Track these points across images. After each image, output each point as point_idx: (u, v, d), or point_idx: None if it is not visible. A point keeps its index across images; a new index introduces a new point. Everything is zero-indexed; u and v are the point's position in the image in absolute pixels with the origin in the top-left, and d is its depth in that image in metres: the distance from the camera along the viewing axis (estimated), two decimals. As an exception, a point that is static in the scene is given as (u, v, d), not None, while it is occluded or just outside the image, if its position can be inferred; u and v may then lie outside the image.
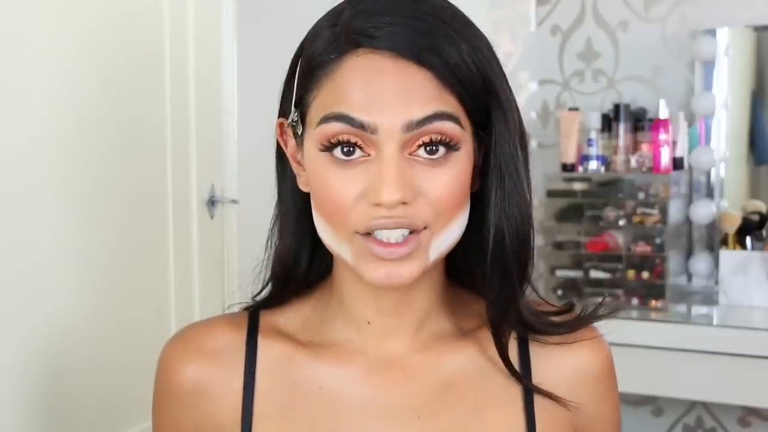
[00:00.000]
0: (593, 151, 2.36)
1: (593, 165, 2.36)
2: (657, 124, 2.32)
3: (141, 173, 1.23)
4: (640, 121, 2.38)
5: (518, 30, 2.57)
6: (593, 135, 2.36)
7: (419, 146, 0.72)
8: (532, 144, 2.54)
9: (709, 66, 2.39)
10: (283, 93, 0.80)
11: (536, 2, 2.61)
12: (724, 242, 2.32)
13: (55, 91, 1.06)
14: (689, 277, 2.40)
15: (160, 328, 1.24)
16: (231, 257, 1.48)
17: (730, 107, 2.40)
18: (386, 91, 0.71)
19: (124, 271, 1.19)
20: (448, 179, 0.73)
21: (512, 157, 0.76)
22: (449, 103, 0.72)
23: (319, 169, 0.74)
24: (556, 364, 0.83)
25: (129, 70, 1.20)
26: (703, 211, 2.31)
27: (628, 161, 2.34)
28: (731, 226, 2.31)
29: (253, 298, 0.86)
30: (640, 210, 2.29)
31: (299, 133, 0.77)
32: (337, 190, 0.73)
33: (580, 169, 2.38)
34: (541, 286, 2.34)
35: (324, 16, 0.78)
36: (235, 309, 0.88)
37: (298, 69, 0.78)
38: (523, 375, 0.81)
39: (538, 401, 0.81)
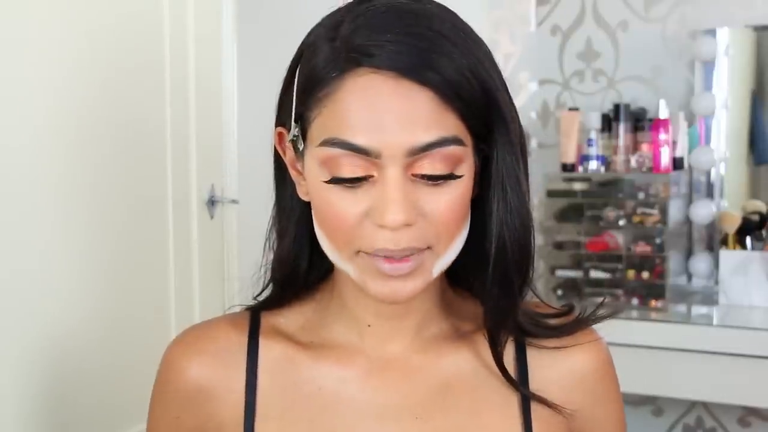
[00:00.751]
0: (593, 151, 2.36)
1: (593, 165, 2.36)
2: (657, 124, 2.32)
3: (141, 173, 1.23)
4: (640, 121, 2.38)
5: (518, 30, 2.57)
6: (593, 135, 2.36)
7: (422, 176, 0.72)
8: (532, 144, 2.54)
9: (709, 66, 2.39)
10: (281, 101, 0.80)
11: (536, 2, 2.61)
12: (724, 242, 2.32)
13: (55, 91, 1.06)
14: (689, 277, 2.40)
15: (160, 328, 1.24)
16: (231, 257, 1.48)
17: (730, 107, 2.40)
18: (389, 114, 0.71)
19: (124, 271, 1.19)
20: (450, 198, 0.73)
21: (513, 169, 0.77)
22: (451, 124, 0.72)
23: (321, 187, 0.74)
24: (553, 367, 0.83)
25: (129, 70, 1.20)
26: (703, 211, 2.31)
27: (628, 161, 2.34)
28: (731, 226, 2.31)
29: (255, 298, 0.87)
30: (640, 210, 2.29)
31: (300, 149, 0.77)
32: (341, 211, 0.73)
33: (580, 169, 2.38)
34: (541, 286, 2.34)
35: (322, 24, 0.77)
36: (237, 309, 0.88)
37: (296, 81, 0.77)
38: (520, 378, 0.81)
39: (535, 404, 0.81)
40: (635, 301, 2.26)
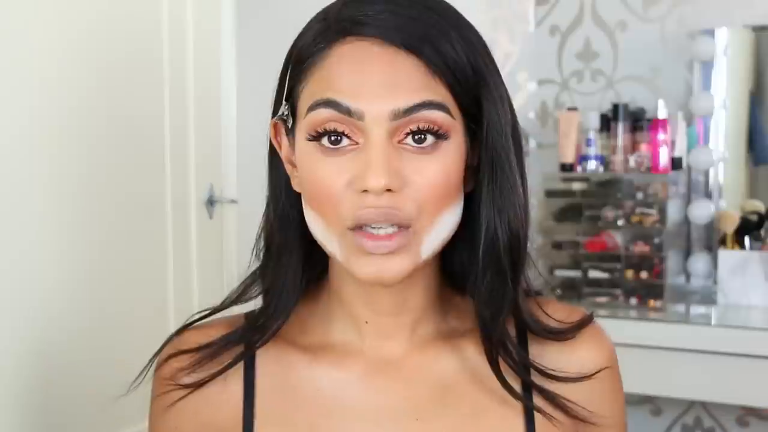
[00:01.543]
0: (592, 151, 2.36)
1: (592, 165, 2.36)
2: (656, 124, 2.32)
3: (140, 173, 1.23)
4: (639, 121, 2.38)
5: (517, 30, 2.57)
6: (592, 135, 2.36)
7: (407, 134, 0.72)
8: (531, 144, 2.54)
9: (707, 66, 2.39)
10: (276, 93, 0.80)
11: (535, 2, 2.61)
12: (723, 242, 2.32)
13: (54, 90, 1.06)
14: (688, 277, 2.40)
15: (159, 327, 1.24)
16: (230, 257, 1.48)
17: (728, 107, 2.40)
18: (373, 77, 0.71)
19: (124, 271, 1.19)
20: (436, 169, 0.72)
21: (504, 149, 0.75)
22: (438, 92, 0.72)
23: (308, 159, 0.73)
24: (557, 360, 0.81)
25: (128, 69, 1.20)
26: (701, 211, 2.31)
27: (626, 161, 2.34)
28: (730, 226, 2.31)
29: (230, 301, 0.85)
30: (638, 210, 2.29)
31: (289, 126, 0.77)
32: (326, 179, 0.72)
33: (579, 169, 2.38)
34: (541, 286, 2.33)
35: (314, 16, 0.78)
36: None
37: (289, 66, 0.77)
38: (521, 371, 0.79)
39: (537, 401, 0.80)
40: (634, 300, 2.26)
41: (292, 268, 0.80)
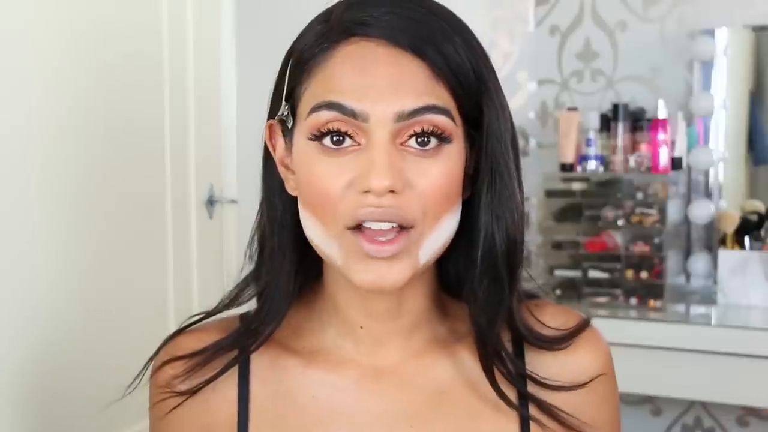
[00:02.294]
0: (592, 151, 2.36)
1: (592, 165, 2.36)
2: (655, 124, 2.32)
3: (140, 173, 1.23)
4: (639, 121, 2.38)
5: (517, 30, 2.57)
6: (592, 135, 2.36)
7: (410, 136, 0.71)
8: (531, 144, 2.54)
9: (707, 66, 2.39)
10: (273, 94, 0.79)
11: (535, 2, 2.61)
12: (723, 242, 2.32)
13: (54, 90, 1.06)
14: (688, 277, 2.40)
15: (159, 327, 1.24)
16: (230, 257, 1.48)
17: (728, 107, 2.40)
18: (378, 78, 0.70)
19: (124, 271, 1.19)
20: (438, 172, 0.72)
21: (503, 156, 0.75)
22: (442, 96, 0.72)
23: (307, 159, 0.73)
24: (552, 366, 0.80)
25: (128, 69, 1.20)
26: (701, 211, 2.31)
27: (626, 161, 2.34)
28: (730, 226, 2.31)
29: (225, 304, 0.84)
30: (638, 210, 2.29)
31: (289, 127, 0.76)
32: (325, 179, 0.71)
33: (579, 169, 2.38)
34: (541, 286, 2.33)
35: (315, 18, 0.77)
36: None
37: (288, 67, 0.77)
38: (516, 379, 0.79)
39: (532, 409, 0.79)
40: (634, 300, 2.26)
41: (285, 272, 0.79)
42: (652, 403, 2.46)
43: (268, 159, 0.81)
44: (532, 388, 0.79)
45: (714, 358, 2.01)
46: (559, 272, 2.37)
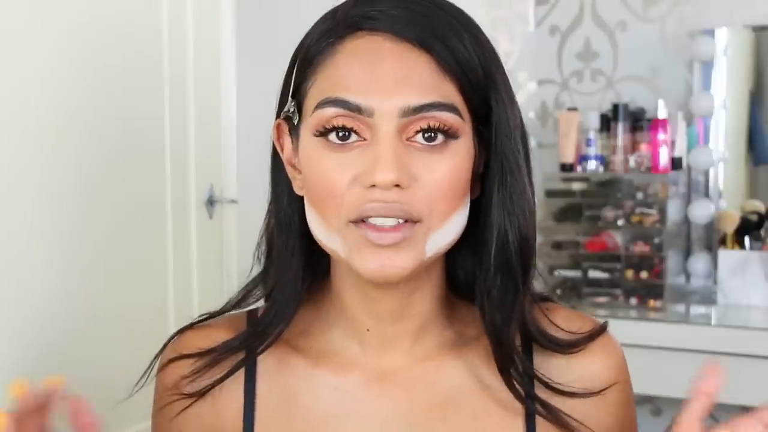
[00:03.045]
0: (592, 151, 2.36)
1: (592, 165, 2.36)
2: (655, 124, 2.32)
3: (140, 173, 1.23)
4: (639, 121, 2.37)
5: (517, 30, 2.57)
6: (592, 135, 2.36)
7: (417, 132, 0.70)
8: (531, 144, 2.53)
9: (707, 66, 2.39)
10: (281, 94, 0.78)
11: (535, 2, 2.61)
12: (723, 242, 2.32)
13: (54, 90, 1.06)
14: (688, 277, 2.40)
15: (159, 327, 1.24)
16: (230, 257, 1.48)
17: (728, 107, 2.40)
18: (384, 73, 0.70)
19: (124, 271, 1.19)
20: (445, 168, 0.70)
21: (513, 153, 0.74)
22: (449, 92, 0.71)
23: (312, 154, 0.72)
24: (562, 372, 0.79)
25: (128, 69, 1.20)
26: (701, 211, 2.31)
27: (626, 161, 2.34)
28: (730, 226, 2.31)
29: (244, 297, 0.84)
30: (638, 210, 2.29)
31: (295, 123, 0.75)
32: (330, 174, 0.70)
33: (579, 169, 2.38)
34: (542, 285, 2.33)
35: (322, 16, 0.77)
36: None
37: (296, 65, 0.76)
38: (525, 383, 0.77)
39: (542, 409, 0.77)
40: (634, 300, 2.26)
41: (293, 273, 0.78)
42: (652, 403, 2.46)
43: (276, 159, 0.80)
44: (541, 392, 0.78)
45: (714, 358, 2.01)
46: (559, 272, 2.37)
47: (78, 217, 1.10)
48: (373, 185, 0.69)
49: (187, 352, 0.81)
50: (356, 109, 0.69)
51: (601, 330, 0.81)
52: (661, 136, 2.31)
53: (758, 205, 2.35)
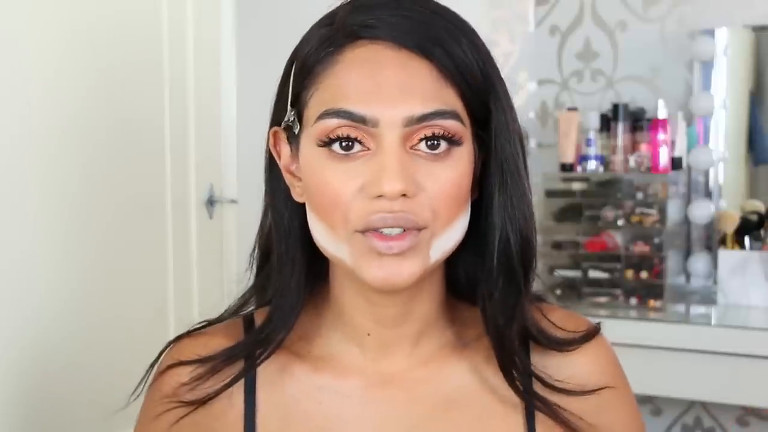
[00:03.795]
0: (592, 151, 2.36)
1: (592, 165, 2.36)
2: (655, 124, 2.32)
3: (140, 173, 1.23)
4: (639, 121, 2.38)
5: (517, 30, 2.57)
6: (592, 135, 2.36)
7: (420, 140, 0.70)
8: (531, 144, 2.54)
9: (707, 66, 2.39)
10: (276, 100, 0.78)
11: (535, 2, 2.61)
12: (723, 242, 2.32)
13: (54, 90, 1.06)
14: (688, 277, 2.40)
15: (159, 328, 1.24)
16: (230, 257, 1.48)
17: (728, 107, 2.40)
18: (387, 82, 0.70)
19: (124, 271, 1.19)
20: (449, 176, 0.71)
21: (513, 156, 0.75)
22: (450, 99, 0.71)
23: (316, 165, 0.72)
24: (557, 372, 0.80)
25: (128, 70, 1.20)
26: (701, 211, 2.31)
27: (626, 161, 2.34)
28: (730, 226, 2.31)
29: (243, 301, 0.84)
30: (638, 210, 2.29)
31: (295, 133, 0.75)
32: (335, 184, 0.70)
33: (579, 169, 2.38)
34: (540, 286, 2.33)
35: (317, 21, 0.76)
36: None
37: (292, 71, 0.75)
38: (524, 383, 0.78)
39: (543, 407, 0.78)
40: (634, 300, 2.26)
41: (294, 280, 0.78)
42: (652, 403, 2.46)
43: (272, 166, 0.80)
44: (539, 390, 0.79)
45: (714, 358, 2.01)
46: (559, 272, 2.37)
47: (78, 216, 1.10)
48: (380, 195, 0.69)
49: (186, 359, 0.80)
50: (360, 120, 0.70)
51: (595, 331, 0.82)
52: (661, 136, 2.31)
53: (758, 205, 2.35)
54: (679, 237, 2.39)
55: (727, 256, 2.28)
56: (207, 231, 1.41)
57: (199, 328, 0.83)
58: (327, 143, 0.71)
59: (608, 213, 2.31)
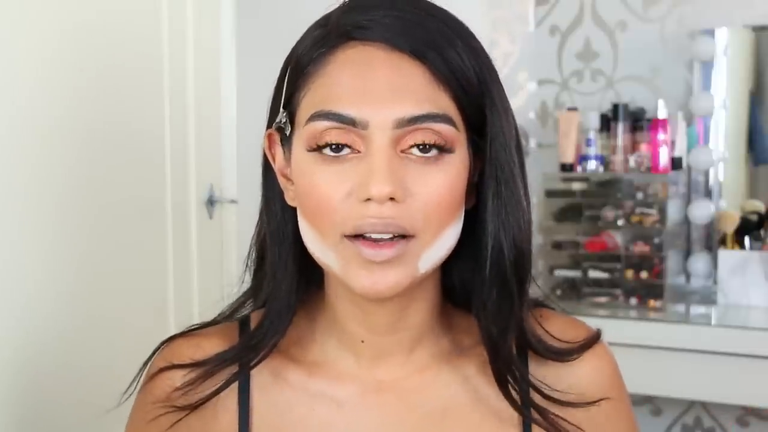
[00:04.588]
0: (592, 151, 2.36)
1: (592, 165, 2.36)
2: (655, 124, 2.32)
3: (140, 173, 1.23)
4: (639, 121, 2.38)
5: (517, 30, 2.57)
6: (592, 135, 2.36)
7: (412, 146, 0.69)
8: (531, 144, 2.54)
9: (707, 66, 2.39)
10: (272, 102, 0.77)
11: (535, 2, 2.61)
12: (723, 242, 2.32)
13: (54, 90, 1.06)
14: (688, 277, 2.40)
15: (159, 328, 1.24)
16: (230, 257, 1.48)
17: (728, 107, 2.40)
18: (378, 83, 0.68)
19: (124, 272, 1.19)
20: (441, 181, 0.69)
21: (508, 163, 0.73)
22: (443, 102, 0.70)
23: (305, 168, 0.71)
24: (555, 382, 0.78)
25: (128, 71, 1.20)
26: (701, 211, 2.31)
27: (626, 161, 2.34)
28: (730, 226, 2.31)
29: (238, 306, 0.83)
30: (638, 210, 2.29)
31: (287, 135, 0.74)
32: (324, 188, 0.69)
33: (579, 169, 2.38)
34: (541, 290, 2.33)
35: (314, 22, 0.76)
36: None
37: (287, 74, 0.75)
38: (521, 391, 0.76)
39: (540, 418, 0.77)
40: (634, 300, 2.26)
41: (287, 284, 0.77)
42: (652, 403, 2.46)
43: (267, 169, 0.79)
44: (536, 400, 0.77)
45: (714, 358, 2.01)
46: (559, 272, 2.37)
47: (78, 216, 1.10)
48: (368, 198, 0.68)
49: (179, 362, 0.79)
50: (350, 122, 0.68)
51: (595, 339, 0.81)
52: (661, 136, 2.31)
53: (758, 205, 2.35)
54: (679, 237, 2.39)
55: (727, 256, 2.28)
56: (207, 231, 1.41)
57: (192, 330, 0.83)
58: (316, 149, 0.70)
59: (608, 213, 2.31)
